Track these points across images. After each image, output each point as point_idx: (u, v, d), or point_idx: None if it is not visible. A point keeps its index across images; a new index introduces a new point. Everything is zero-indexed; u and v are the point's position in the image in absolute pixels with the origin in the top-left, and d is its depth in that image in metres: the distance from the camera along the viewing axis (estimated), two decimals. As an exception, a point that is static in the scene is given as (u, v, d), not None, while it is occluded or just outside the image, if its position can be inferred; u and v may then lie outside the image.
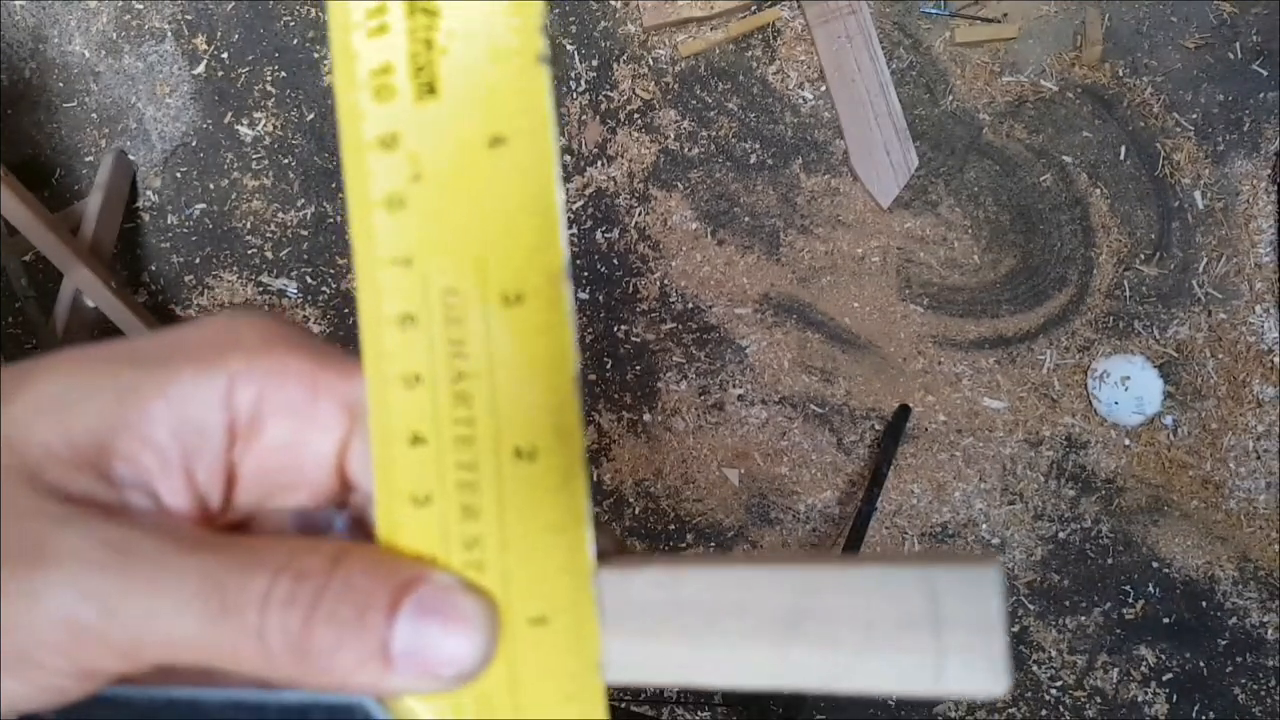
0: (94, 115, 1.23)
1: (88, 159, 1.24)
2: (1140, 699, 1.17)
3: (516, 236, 0.18)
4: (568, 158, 1.21)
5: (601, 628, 0.19)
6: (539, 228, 0.18)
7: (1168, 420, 1.16)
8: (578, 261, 1.21)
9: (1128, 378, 1.14)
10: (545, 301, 0.18)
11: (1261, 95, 1.16)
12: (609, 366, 1.21)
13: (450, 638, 0.18)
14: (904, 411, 1.17)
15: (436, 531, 0.19)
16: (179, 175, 1.23)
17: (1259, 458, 1.16)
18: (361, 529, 0.22)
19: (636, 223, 1.20)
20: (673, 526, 1.21)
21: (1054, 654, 1.18)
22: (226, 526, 0.22)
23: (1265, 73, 1.16)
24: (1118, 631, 1.17)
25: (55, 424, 0.19)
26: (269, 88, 1.22)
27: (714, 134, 1.20)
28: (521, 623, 0.19)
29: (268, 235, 1.24)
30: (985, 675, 0.17)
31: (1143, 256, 1.17)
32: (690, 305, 1.20)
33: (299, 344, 0.21)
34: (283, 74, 1.21)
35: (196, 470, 0.20)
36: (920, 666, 0.17)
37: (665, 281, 1.20)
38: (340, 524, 0.22)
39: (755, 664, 0.18)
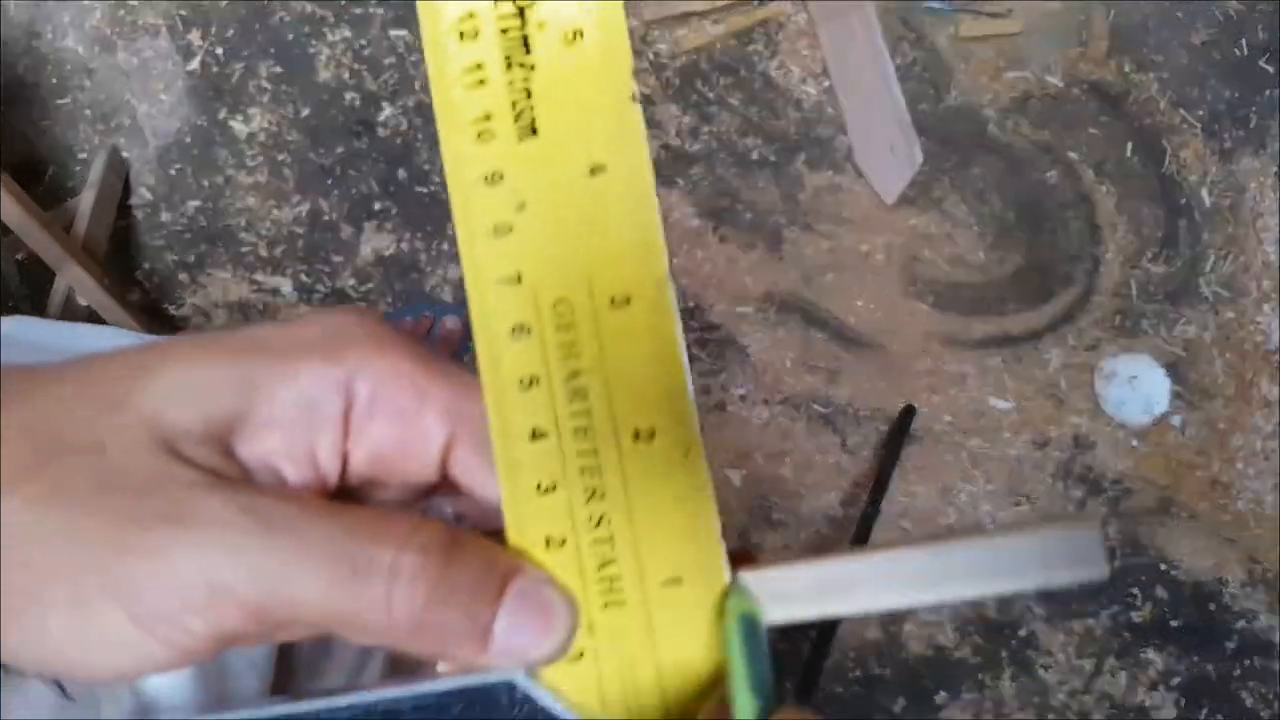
0: (87, 112, 1.23)
1: (81, 156, 1.23)
2: (1148, 703, 1.17)
3: (620, 252, 0.20)
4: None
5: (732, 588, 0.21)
6: (641, 242, 0.20)
7: (1175, 420, 1.16)
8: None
9: (1135, 377, 1.15)
10: (650, 304, 0.20)
11: (1268, 92, 1.16)
12: (609, 366, 1.21)
13: (540, 628, 0.20)
14: (909, 412, 1.17)
15: (564, 514, 0.21)
16: (173, 172, 1.23)
17: (1267, 458, 1.15)
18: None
19: None
20: (674, 528, 1.21)
21: (1061, 658, 1.17)
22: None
23: (1272, 70, 1.16)
24: (1125, 635, 1.17)
25: (190, 405, 0.20)
26: (264, 83, 1.22)
27: (715, 130, 1.19)
28: (655, 586, 0.21)
29: (262, 233, 1.23)
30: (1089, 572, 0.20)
31: (1150, 254, 1.17)
32: (691, 304, 1.19)
33: (408, 349, 0.22)
34: (278, 69, 1.21)
35: (320, 452, 0.22)
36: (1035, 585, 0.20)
37: None
38: (448, 509, 0.24)
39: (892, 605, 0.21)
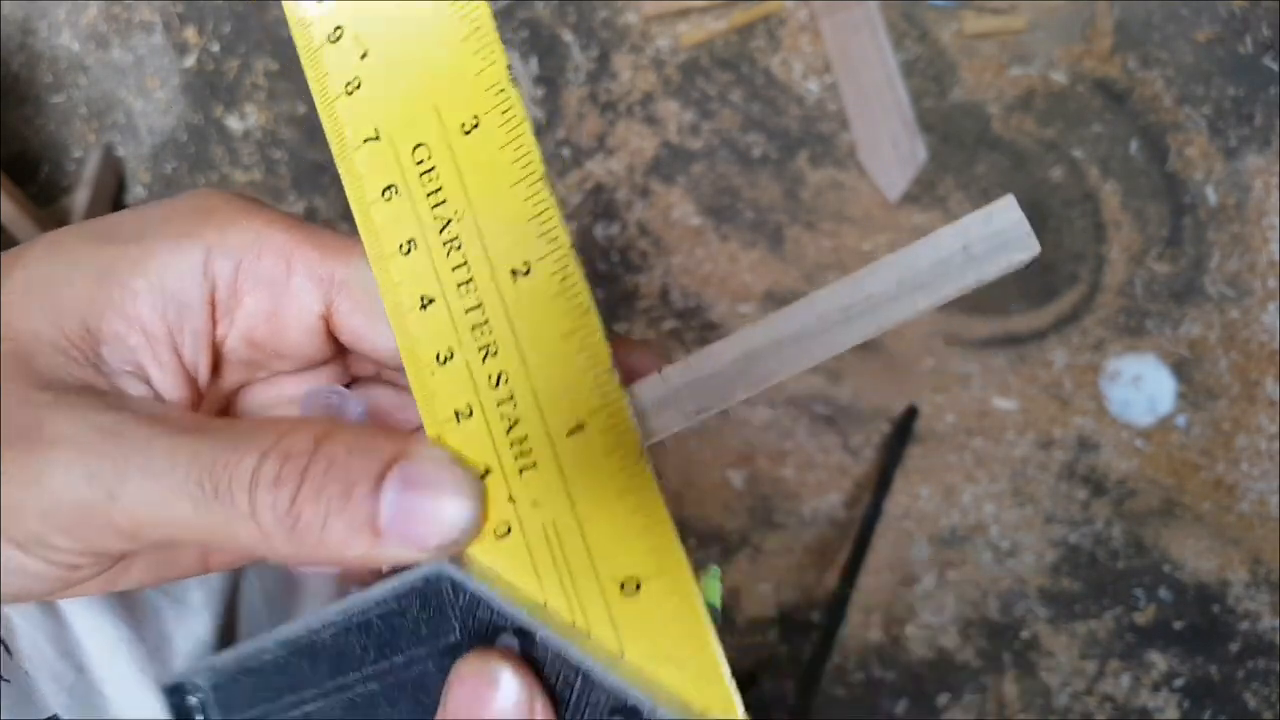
0: (82, 109, 1.23)
1: (75, 154, 1.23)
2: (1151, 705, 1.16)
3: (460, 69, 0.19)
4: (566, 150, 1.20)
5: (638, 417, 0.20)
6: (476, 49, 0.19)
7: (1180, 420, 1.16)
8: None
9: (1140, 377, 1.14)
10: (498, 116, 0.19)
11: (1273, 90, 1.15)
12: (609, 366, 1.21)
13: (434, 509, 0.19)
14: (912, 413, 1.16)
15: (466, 381, 0.20)
16: (168, 170, 1.23)
17: (1272, 459, 1.15)
18: (380, 414, 0.24)
19: (637, 218, 1.20)
20: (674, 530, 1.21)
21: (1064, 660, 1.17)
22: (220, 401, 0.23)
23: (1276, 67, 1.15)
24: (1129, 637, 1.16)
25: (43, 309, 0.20)
26: (260, 81, 1.22)
27: (717, 126, 1.19)
28: (562, 437, 0.20)
29: (259, 231, 1.24)
30: (1019, 252, 0.18)
31: (1154, 253, 1.16)
32: (692, 303, 1.19)
33: (272, 217, 0.21)
34: (274, 66, 1.21)
35: (183, 345, 0.21)
36: (964, 277, 0.19)
37: (666, 278, 1.19)
38: (356, 408, 0.23)
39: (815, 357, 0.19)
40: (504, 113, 0.19)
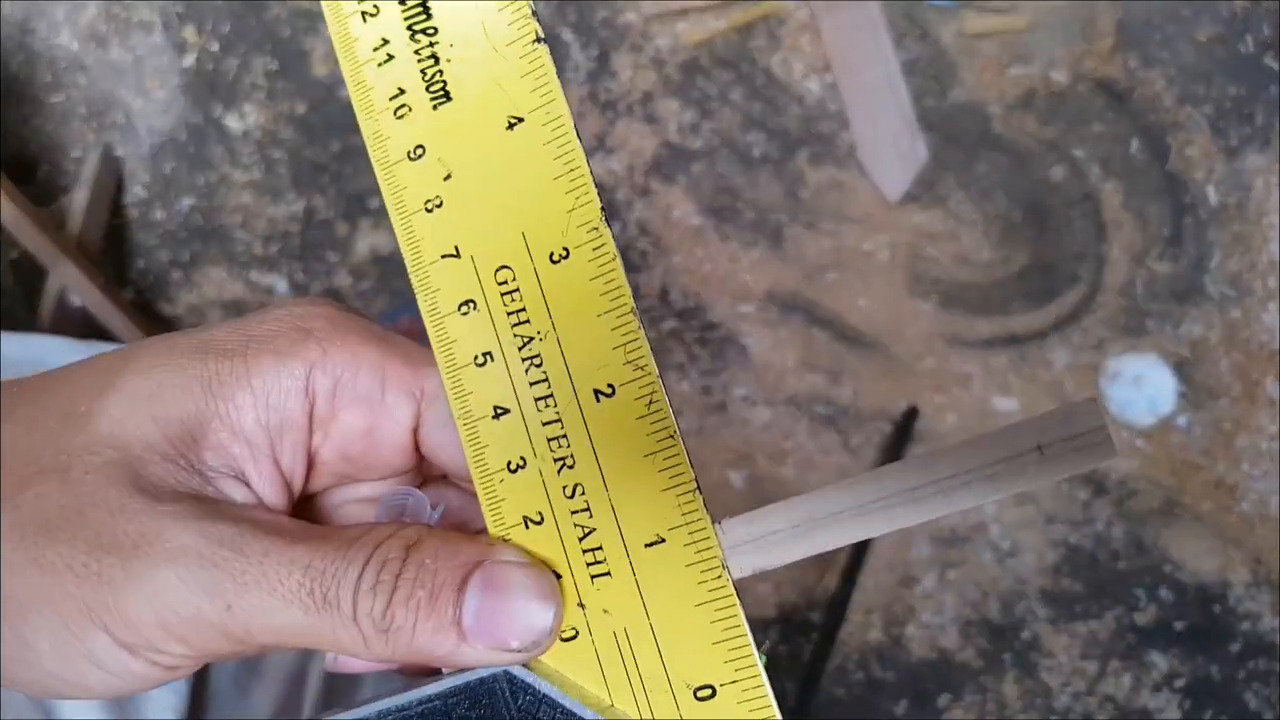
0: (81, 109, 1.23)
1: (74, 154, 1.23)
2: (1152, 705, 1.16)
3: (550, 202, 0.20)
4: (566, 151, 1.21)
5: (720, 538, 0.21)
6: (569, 189, 0.20)
7: (1181, 421, 1.16)
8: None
9: (1140, 377, 1.14)
10: (589, 251, 0.20)
11: (1274, 89, 1.15)
12: (609, 366, 1.21)
13: (516, 612, 0.20)
14: (912, 413, 1.16)
15: (538, 489, 0.21)
16: (167, 170, 1.23)
17: (1273, 459, 1.15)
18: (449, 515, 0.24)
19: (636, 217, 1.20)
20: (674, 530, 1.21)
21: (1065, 660, 1.17)
22: (307, 502, 0.24)
23: (1277, 66, 1.15)
24: (1129, 637, 1.17)
25: (150, 417, 0.20)
26: (259, 80, 1.22)
27: (717, 125, 1.19)
28: (640, 549, 0.20)
29: (257, 230, 1.24)
30: (1095, 459, 0.19)
31: (1155, 253, 1.16)
32: (692, 303, 1.19)
33: (366, 333, 0.23)
34: (274, 66, 1.21)
35: (282, 455, 0.22)
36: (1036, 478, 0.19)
37: (666, 278, 1.19)
38: (432, 513, 0.23)
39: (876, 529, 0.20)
40: (596, 249, 0.20)
